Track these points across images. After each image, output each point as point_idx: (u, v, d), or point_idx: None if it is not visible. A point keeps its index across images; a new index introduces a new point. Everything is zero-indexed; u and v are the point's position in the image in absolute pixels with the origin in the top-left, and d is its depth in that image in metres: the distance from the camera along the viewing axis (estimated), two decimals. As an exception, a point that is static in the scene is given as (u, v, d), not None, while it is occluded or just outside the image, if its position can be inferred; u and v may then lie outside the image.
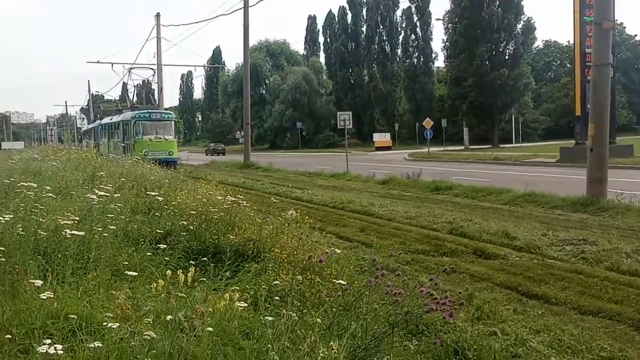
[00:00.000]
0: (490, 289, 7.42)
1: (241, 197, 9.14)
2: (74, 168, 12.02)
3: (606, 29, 14.51)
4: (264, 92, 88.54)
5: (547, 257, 9.14)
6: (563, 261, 8.88)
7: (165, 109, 43.77)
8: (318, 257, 5.78)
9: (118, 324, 3.28)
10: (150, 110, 34.11)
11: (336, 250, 6.99)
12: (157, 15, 41.56)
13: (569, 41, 64.81)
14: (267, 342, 3.32)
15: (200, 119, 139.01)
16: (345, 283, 4.51)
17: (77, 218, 6.06)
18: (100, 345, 3.06)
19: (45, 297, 3.57)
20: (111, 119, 40.06)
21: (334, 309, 4.24)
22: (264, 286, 5.31)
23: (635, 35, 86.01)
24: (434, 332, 5.38)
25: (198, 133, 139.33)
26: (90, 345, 3.04)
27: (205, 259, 6.06)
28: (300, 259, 6.08)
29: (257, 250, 6.83)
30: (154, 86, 45.65)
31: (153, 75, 41.16)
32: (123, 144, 33.70)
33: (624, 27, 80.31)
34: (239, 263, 6.49)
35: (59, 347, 2.76)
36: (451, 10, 61.15)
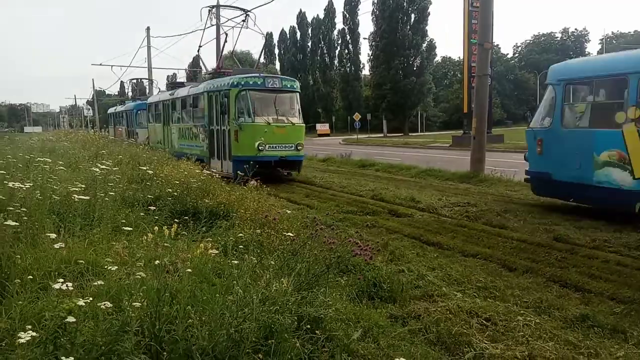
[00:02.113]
0: (400, 238, 7.55)
1: (214, 170, 8.95)
2: (81, 147, 11.54)
3: (486, 49, 14.78)
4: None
5: (441, 215, 9.37)
6: (452, 218, 9.12)
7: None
8: (273, 216, 5.78)
9: (117, 267, 3.20)
10: (264, 75, 15.20)
11: (287, 211, 6.98)
12: (148, 29, 39.63)
13: (459, 57, 65.78)
14: (234, 279, 3.29)
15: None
16: (293, 235, 4.49)
17: (84, 186, 5.84)
18: (102, 283, 2.97)
19: (58, 247, 3.44)
20: (173, 94, 19.49)
21: (285, 255, 4.24)
22: (231, 238, 5.25)
23: (507, 54, 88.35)
24: (359, 270, 5.42)
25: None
26: (94, 283, 2.95)
27: (186, 217, 5.94)
28: (260, 217, 6.04)
29: (226, 211, 6.72)
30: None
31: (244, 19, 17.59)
32: (207, 130, 15.67)
33: (499, 48, 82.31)
34: (212, 221, 6.37)
35: (70, 284, 2.66)
36: (374, 32, 61.01)
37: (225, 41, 18.95)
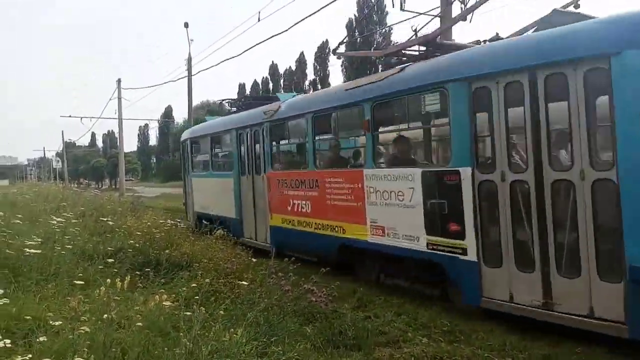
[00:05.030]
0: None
1: (179, 220, 8.88)
2: (43, 200, 11.30)
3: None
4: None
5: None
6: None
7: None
8: (236, 266, 5.73)
9: (60, 322, 3.11)
10: None
11: (252, 259, 6.92)
12: (118, 81, 39.66)
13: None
14: (182, 331, 3.22)
15: (154, 161, 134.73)
16: (247, 284, 4.45)
17: (41, 240, 5.72)
18: (45, 339, 2.88)
19: (2, 303, 3.33)
20: None
21: (243, 303, 4.18)
22: (184, 289, 5.10)
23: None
24: (325, 318, 5.35)
25: (153, 172, 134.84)
26: (38, 340, 2.86)
27: (148, 269, 5.84)
28: (224, 267, 5.97)
29: (190, 261, 6.61)
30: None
31: None
32: None
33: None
34: (175, 272, 6.25)
35: (8, 341, 2.58)
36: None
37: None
